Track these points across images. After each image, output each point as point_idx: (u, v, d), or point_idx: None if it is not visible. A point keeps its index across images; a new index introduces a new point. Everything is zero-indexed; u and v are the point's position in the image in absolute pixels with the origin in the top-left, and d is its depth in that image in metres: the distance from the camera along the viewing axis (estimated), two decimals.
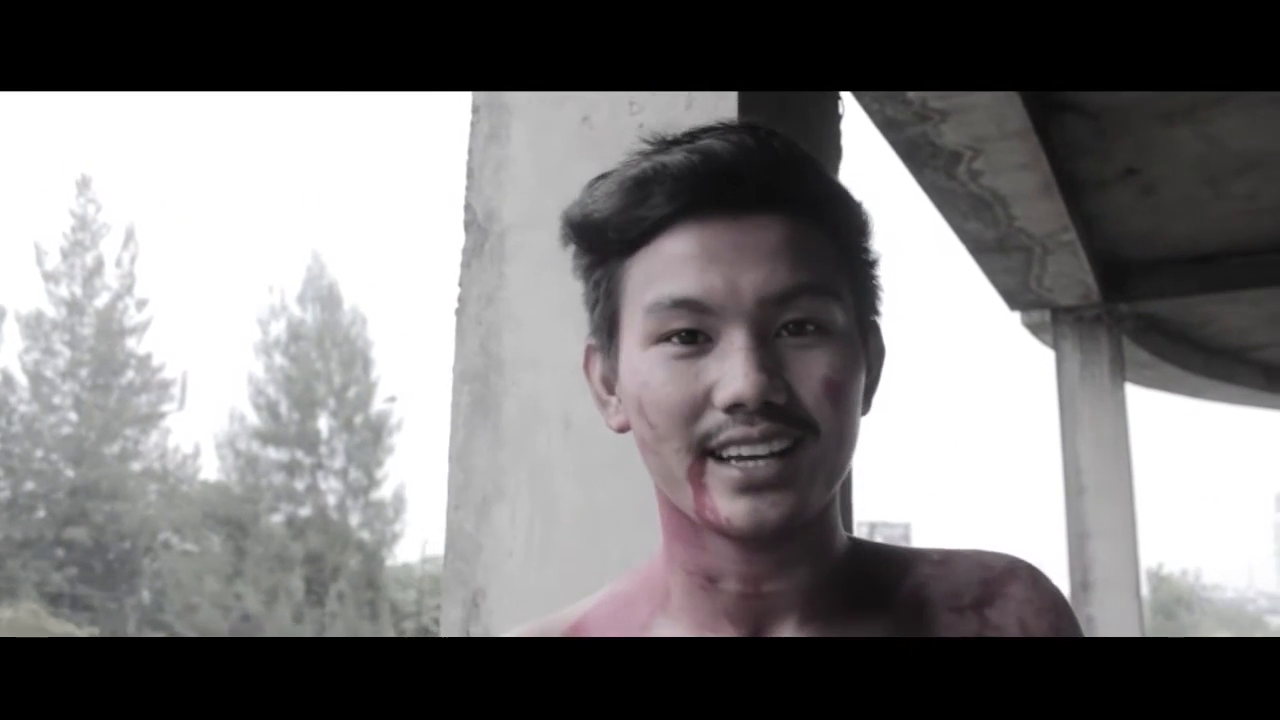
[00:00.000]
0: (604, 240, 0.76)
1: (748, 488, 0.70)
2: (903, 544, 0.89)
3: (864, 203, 0.80)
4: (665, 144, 0.75)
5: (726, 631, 0.77)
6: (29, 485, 25.99)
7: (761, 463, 0.70)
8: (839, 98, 1.53)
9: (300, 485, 26.65)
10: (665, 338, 0.72)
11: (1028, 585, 0.82)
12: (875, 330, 0.82)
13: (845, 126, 1.59)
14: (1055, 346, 6.10)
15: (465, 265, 1.29)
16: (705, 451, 0.71)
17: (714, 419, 0.70)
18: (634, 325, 0.74)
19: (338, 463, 27.14)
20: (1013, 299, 5.96)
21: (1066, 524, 5.85)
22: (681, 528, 0.77)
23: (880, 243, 0.81)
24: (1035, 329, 6.41)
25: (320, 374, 27.52)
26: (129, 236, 28.00)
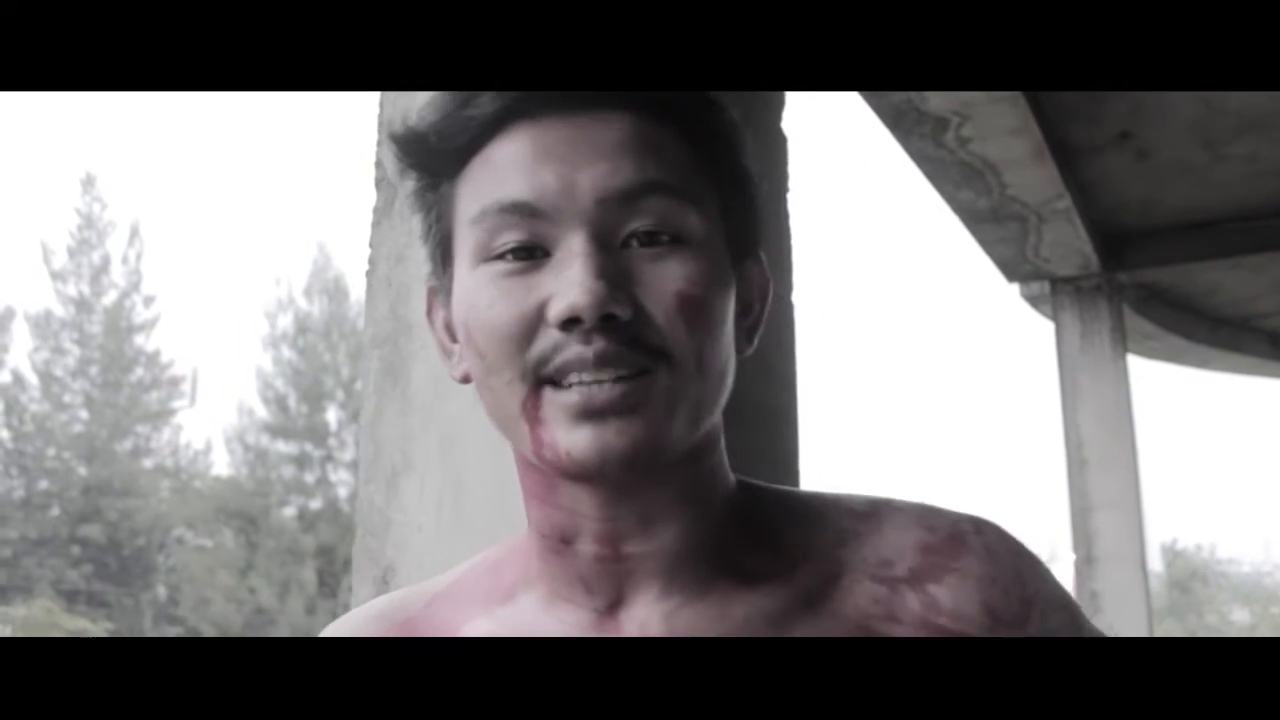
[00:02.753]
0: (429, 151, 0.67)
1: (588, 413, 0.60)
2: None
3: (727, 109, 0.69)
4: None
5: (582, 602, 0.67)
6: (42, 484, 26.10)
7: (606, 385, 0.60)
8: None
9: (310, 478, 26.69)
10: (497, 255, 0.63)
11: (983, 556, 0.68)
12: (757, 262, 0.72)
13: (799, 107, 1.51)
14: (1054, 318, 6.00)
15: (376, 224, 1.22)
16: (541, 380, 0.62)
17: (549, 339, 0.61)
18: (463, 244, 0.65)
19: (347, 455, 27.16)
20: (1010, 270, 5.86)
21: (1069, 498, 5.77)
22: (535, 483, 0.68)
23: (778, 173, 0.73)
24: (1035, 301, 6.30)
25: (328, 366, 27.54)
26: (134, 233, 28.03)
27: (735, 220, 0.68)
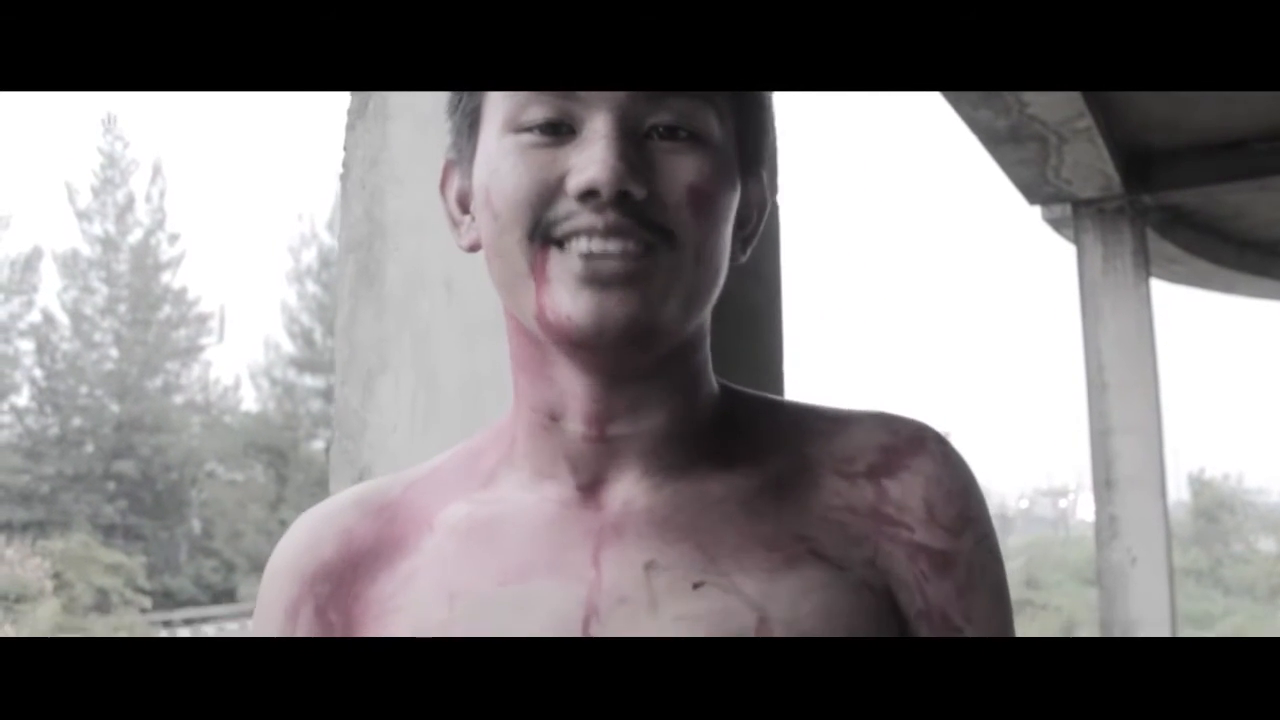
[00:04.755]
0: None
1: (593, 280, 0.65)
2: None
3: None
4: None
5: (565, 479, 0.72)
6: (76, 421, 26.52)
7: (612, 259, 0.65)
8: None
9: None
10: (525, 128, 0.67)
11: (938, 460, 0.73)
12: (758, 180, 0.76)
13: None
14: (1076, 240, 5.92)
15: (350, 127, 1.21)
16: (549, 240, 0.66)
17: (564, 206, 0.66)
18: (494, 115, 0.69)
19: None
20: (1031, 192, 5.77)
21: (1089, 421, 5.74)
22: (529, 357, 0.72)
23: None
24: (1057, 224, 6.22)
25: None
26: (156, 171, 28.09)
27: (747, 136, 0.73)
